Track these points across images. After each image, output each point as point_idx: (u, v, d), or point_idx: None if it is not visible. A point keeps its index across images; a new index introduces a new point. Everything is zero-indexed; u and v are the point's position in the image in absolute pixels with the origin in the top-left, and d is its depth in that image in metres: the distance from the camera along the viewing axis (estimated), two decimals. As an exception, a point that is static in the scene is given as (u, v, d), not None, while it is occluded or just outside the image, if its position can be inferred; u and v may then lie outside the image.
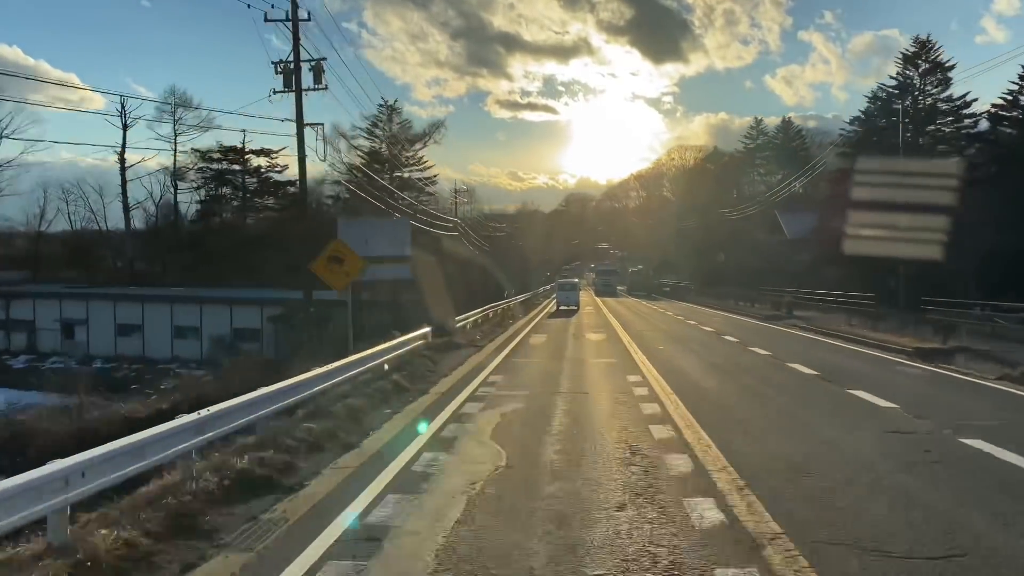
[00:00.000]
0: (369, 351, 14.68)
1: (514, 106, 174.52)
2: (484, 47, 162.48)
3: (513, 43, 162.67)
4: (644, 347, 21.52)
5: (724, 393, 13.47)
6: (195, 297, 45.08)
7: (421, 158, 64.90)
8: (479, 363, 18.24)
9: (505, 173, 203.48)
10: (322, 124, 27.22)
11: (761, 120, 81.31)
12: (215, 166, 60.80)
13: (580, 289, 52.01)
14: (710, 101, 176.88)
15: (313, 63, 24.64)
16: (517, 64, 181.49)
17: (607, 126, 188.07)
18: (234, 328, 42.73)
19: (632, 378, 15.07)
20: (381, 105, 62.70)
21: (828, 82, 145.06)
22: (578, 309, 43.59)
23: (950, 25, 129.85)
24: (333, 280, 17.18)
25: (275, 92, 24.28)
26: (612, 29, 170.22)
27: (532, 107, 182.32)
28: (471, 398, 12.88)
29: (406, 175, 62.78)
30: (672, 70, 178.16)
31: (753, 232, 60.94)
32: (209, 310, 43.74)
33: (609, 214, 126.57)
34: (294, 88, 24.25)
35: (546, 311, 45.50)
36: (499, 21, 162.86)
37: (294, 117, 24.48)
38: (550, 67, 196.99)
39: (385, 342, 16.27)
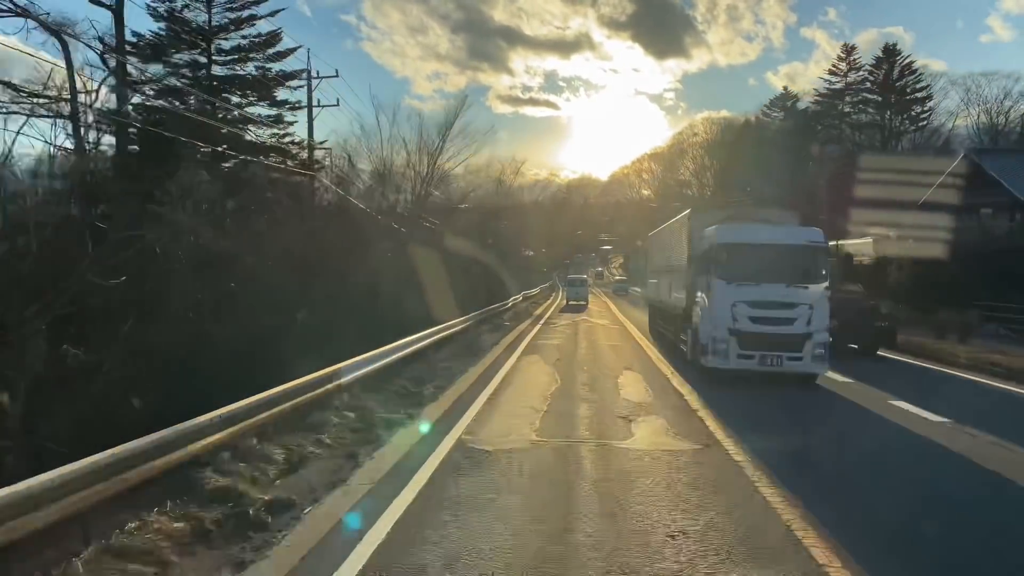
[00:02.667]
0: None
1: (515, 101, 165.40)
2: (485, 41, 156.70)
3: (514, 37, 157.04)
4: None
5: None
6: None
7: (275, 35, 30.01)
8: None
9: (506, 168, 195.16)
10: None
11: (854, 47, 57.97)
12: None
13: (589, 286, 52.34)
14: (712, 99, 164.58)
15: None
16: (518, 59, 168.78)
17: (608, 122, 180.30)
18: None
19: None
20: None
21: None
22: (586, 304, 42.28)
23: (955, 23, 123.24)
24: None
25: None
26: (614, 24, 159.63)
27: (533, 102, 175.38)
28: None
29: (252, 69, 30.51)
30: (674, 66, 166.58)
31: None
32: None
33: (613, 206, 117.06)
34: None
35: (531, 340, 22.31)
36: (500, 15, 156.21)
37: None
38: (551, 62, 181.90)
39: None
